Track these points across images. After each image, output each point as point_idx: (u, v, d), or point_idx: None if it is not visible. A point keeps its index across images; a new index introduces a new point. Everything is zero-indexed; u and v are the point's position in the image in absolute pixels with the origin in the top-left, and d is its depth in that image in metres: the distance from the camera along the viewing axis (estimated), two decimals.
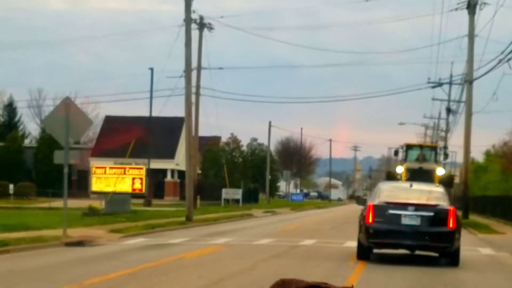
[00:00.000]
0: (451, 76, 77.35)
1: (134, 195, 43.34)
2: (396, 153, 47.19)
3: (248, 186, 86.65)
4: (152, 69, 65.62)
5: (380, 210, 18.70)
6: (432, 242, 18.62)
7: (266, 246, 23.88)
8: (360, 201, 23.98)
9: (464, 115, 51.11)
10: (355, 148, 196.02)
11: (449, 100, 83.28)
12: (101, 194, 42.43)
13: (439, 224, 18.56)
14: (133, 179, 41.51)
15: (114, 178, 41.16)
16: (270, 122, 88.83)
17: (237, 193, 71.66)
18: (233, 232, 31.12)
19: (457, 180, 65.48)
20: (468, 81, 50.27)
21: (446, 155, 55.21)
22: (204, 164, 78.60)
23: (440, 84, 67.44)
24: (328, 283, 1.28)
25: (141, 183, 41.72)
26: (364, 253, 19.35)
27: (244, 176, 79.54)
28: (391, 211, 18.62)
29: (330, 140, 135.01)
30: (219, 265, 17.68)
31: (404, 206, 18.66)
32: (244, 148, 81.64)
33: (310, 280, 1.32)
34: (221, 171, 75.05)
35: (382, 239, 18.77)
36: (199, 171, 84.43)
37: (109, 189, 41.02)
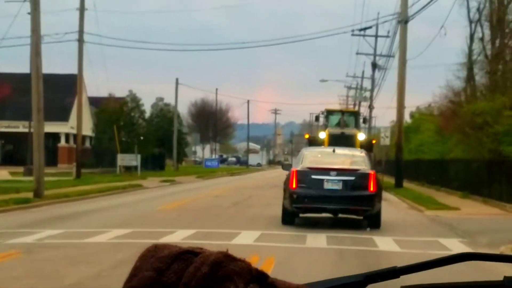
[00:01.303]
0: (377, 23, 69.00)
1: None
2: (317, 118, 46.15)
3: (152, 152, 76.98)
4: None
5: (303, 175, 19.06)
6: (354, 206, 19.06)
7: (97, 250, 14.50)
8: (285, 166, 23.08)
9: (398, 61, 42.60)
10: (275, 111, 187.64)
11: (375, 54, 75.13)
12: None
13: (360, 188, 19.02)
14: None
15: None
16: (177, 79, 79.03)
17: (135, 160, 62.01)
18: (82, 216, 21.78)
19: (389, 142, 57.11)
20: (403, 20, 41.73)
21: (365, 120, 54.81)
22: (98, 126, 68.46)
23: (365, 29, 59.02)
24: (203, 248, 1.25)
25: None
26: (288, 218, 19.66)
27: (147, 140, 69.73)
28: (313, 176, 18.97)
29: (248, 101, 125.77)
30: None
31: (326, 171, 19.03)
32: (145, 108, 71.63)
33: (186, 246, 1.27)
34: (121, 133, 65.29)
35: (306, 204, 19.12)
36: (92, 135, 74.62)
37: None
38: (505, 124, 37.42)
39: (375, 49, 75.26)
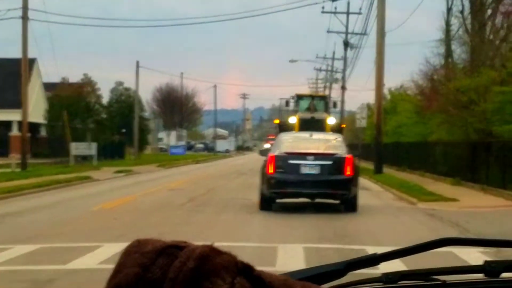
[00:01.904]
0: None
1: None
2: (287, 103, 46.72)
3: (112, 139, 72.20)
4: None
5: (281, 160, 19.13)
6: (331, 190, 19.08)
7: None
8: (263, 152, 23.13)
9: (376, 34, 38.23)
10: (244, 96, 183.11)
11: (346, 32, 70.88)
12: None
13: (337, 172, 19.03)
14: None
15: None
16: (137, 62, 73.84)
17: (91, 148, 57.26)
18: None
19: (366, 124, 52.93)
20: None
21: (335, 104, 54.74)
22: (51, 113, 63.42)
23: None
24: (188, 242, 1.28)
25: None
26: (266, 204, 19.59)
27: (104, 127, 64.90)
28: (291, 161, 19.10)
29: (215, 86, 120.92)
30: None
31: (303, 156, 19.13)
32: (104, 94, 66.75)
33: (170, 240, 1.28)
34: (72, 121, 60.46)
35: (283, 188, 19.15)
36: (45, 122, 69.52)
37: None
38: (495, 102, 33.25)
39: (346, 27, 71.11)
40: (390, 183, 31.01)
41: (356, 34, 69.05)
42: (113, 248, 12.68)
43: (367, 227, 16.36)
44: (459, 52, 50.31)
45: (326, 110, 43.49)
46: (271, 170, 19.10)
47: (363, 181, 34.36)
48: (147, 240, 1.31)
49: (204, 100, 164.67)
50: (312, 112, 40.71)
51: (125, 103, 75.83)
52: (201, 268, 1.23)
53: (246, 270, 1.27)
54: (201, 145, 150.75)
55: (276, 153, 19.43)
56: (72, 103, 59.77)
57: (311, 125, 36.12)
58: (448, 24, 50.53)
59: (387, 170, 39.63)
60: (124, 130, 72.03)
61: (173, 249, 1.27)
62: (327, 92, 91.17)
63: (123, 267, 1.27)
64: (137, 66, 73.66)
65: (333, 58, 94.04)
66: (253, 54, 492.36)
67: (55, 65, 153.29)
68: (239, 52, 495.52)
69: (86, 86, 62.59)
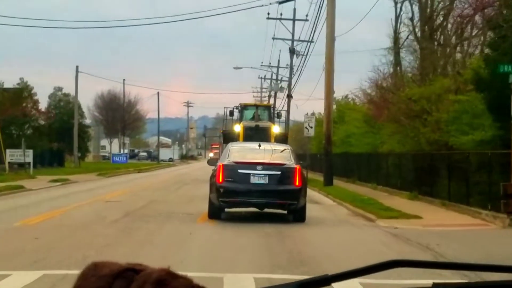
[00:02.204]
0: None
1: None
2: (231, 113, 45.77)
3: (50, 146, 69.31)
4: None
5: (230, 170, 19.05)
6: (280, 200, 19.05)
7: None
8: (211, 161, 23.81)
9: (325, 39, 36.43)
10: (188, 104, 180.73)
11: (292, 39, 69.23)
12: None
13: (286, 182, 19.06)
14: None
15: None
16: (77, 67, 71.08)
17: (27, 155, 54.42)
18: None
19: (313, 134, 51.23)
20: None
21: (279, 115, 53.75)
22: None
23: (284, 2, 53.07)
24: (144, 264, 1.34)
25: None
26: (215, 213, 19.50)
27: (41, 134, 62.01)
28: (240, 171, 19.00)
29: (158, 93, 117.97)
30: None
31: (252, 165, 19.07)
32: (42, 99, 63.81)
33: (126, 263, 1.35)
34: (7, 127, 57.54)
35: (232, 198, 19.04)
36: None
37: None
38: (450, 111, 31.68)
39: (293, 34, 69.36)
40: (342, 196, 29.15)
41: (303, 41, 67.46)
42: (24, 278, 10.47)
43: (325, 250, 14.39)
44: (409, 59, 48.99)
45: (271, 119, 43.24)
46: (220, 179, 18.99)
47: (313, 193, 32.50)
48: (104, 263, 1.29)
49: (147, 108, 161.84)
50: (256, 120, 40.34)
51: (64, 109, 72.94)
52: None
53: None
54: (144, 154, 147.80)
55: (225, 162, 19.38)
56: (6, 108, 56.74)
57: (256, 133, 36.15)
58: (396, 32, 49.15)
59: (337, 182, 37.89)
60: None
61: (130, 272, 1.27)
62: (272, 101, 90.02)
63: None
64: (77, 71, 70.90)
65: (278, 66, 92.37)
66: (197, 62, 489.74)
67: None
68: (184, 60, 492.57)
69: (22, 91, 59.58)
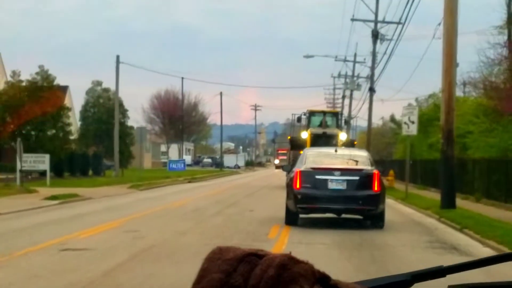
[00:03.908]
0: None
1: None
2: (299, 119, 46.45)
3: (83, 151, 57.93)
4: None
5: (307, 175, 19.00)
6: (358, 206, 18.89)
7: None
8: (285, 168, 24.36)
9: (444, 7, 23.59)
10: (255, 107, 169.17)
11: (376, 21, 56.76)
12: None
13: (364, 187, 18.89)
14: None
15: None
16: (117, 57, 59.50)
17: (42, 162, 43.22)
18: None
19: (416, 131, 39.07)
20: None
21: (346, 122, 54.31)
22: None
23: None
24: (265, 250, 1.38)
25: None
26: (291, 219, 19.45)
27: (66, 134, 50.50)
28: (318, 176, 18.94)
29: (221, 93, 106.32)
30: None
31: (330, 171, 18.97)
32: (80, 95, 52.21)
33: (247, 248, 1.38)
34: (23, 125, 46.30)
35: (310, 204, 19.01)
36: None
37: None
38: None
39: (376, 14, 56.93)
40: (486, 230, 16.59)
41: (389, 23, 55.19)
42: None
43: None
44: None
45: (338, 126, 43.17)
46: (297, 185, 18.88)
47: (426, 220, 21.02)
48: (228, 248, 1.34)
49: (209, 110, 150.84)
50: (323, 127, 40.37)
51: (103, 107, 61.48)
52: (280, 276, 1.24)
53: (323, 279, 1.29)
54: (209, 160, 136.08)
55: (302, 168, 19.22)
56: (23, 103, 45.43)
57: (323, 140, 36.21)
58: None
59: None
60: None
61: (253, 257, 1.31)
62: (346, 102, 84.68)
63: (207, 272, 1.30)
64: (117, 61, 59.31)
65: (354, 61, 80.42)
66: (268, 67, 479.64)
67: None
68: (253, 64, 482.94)
69: (42, 82, 48.03)
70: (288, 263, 1.27)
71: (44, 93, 46.24)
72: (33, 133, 48.08)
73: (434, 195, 31.68)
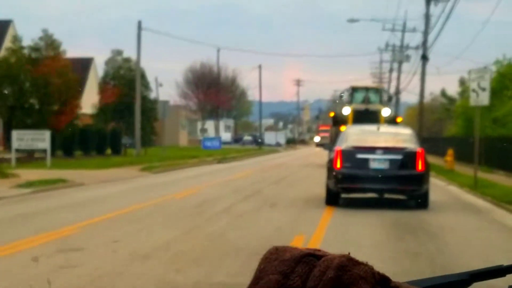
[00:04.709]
0: None
1: None
2: (341, 96, 44.61)
3: (99, 127, 52.01)
4: None
5: (348, 155, 18.55)
6: (401, 186, 18.39)
7: None
8: (326, 146, 20.27)
9: None
10: (298, 83, 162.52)
11: None
12: None
13: (407, 167, 18.31)
14: None
15: None
16: (139, 22, 53.22)
17: (42, 139, 37.29)
18: None
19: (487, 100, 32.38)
20: None
21: (390, 98, 52.82)
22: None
23: None
24: (322, 249, 1.37)
25: None
26: (332, 199, 18.99)
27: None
28: (359, 156, 18.51)
29: (260, 66, 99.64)
30: None
31: (372, 150, 18.49)
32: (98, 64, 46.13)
33: (304, 248, 1.37)
34: (24, 97, 40.42)
35: (351, 184, 18.61)
36: None
37: None
38: None
39: None
40: None
41: None
42: None
43: None
44: None
45: (381, 102, 41.99)
46: (338, 165, 18.37)
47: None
48: (285, 247, 1.31)
49: (248, 84, 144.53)
50: (366, 103, 39.48)
51: (126, 79, 55.43)
52: (340, 277, 1.22)
53: (383, 281, 1.26)
54: (249, 138, 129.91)
55: (343, 147, 18.67)
56: (19, 73, 39.44)
57: (365, 116, 35.76)
58: None
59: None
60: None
61: (311, 258, 1.28)
62: (394, 75, 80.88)
63: (264, 273, 1.27)
64: (139, 27, 53.01)
65: (403, 31, 74.04)
66: (314, 43, 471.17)
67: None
68: (299, 41, 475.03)
69: (46, 49, 41.93)
70: (348, 264, 1.23)
71: (47, 60, 40.16)
72: (36, 107, 42.19)
73: (507, 181, 25.17)
